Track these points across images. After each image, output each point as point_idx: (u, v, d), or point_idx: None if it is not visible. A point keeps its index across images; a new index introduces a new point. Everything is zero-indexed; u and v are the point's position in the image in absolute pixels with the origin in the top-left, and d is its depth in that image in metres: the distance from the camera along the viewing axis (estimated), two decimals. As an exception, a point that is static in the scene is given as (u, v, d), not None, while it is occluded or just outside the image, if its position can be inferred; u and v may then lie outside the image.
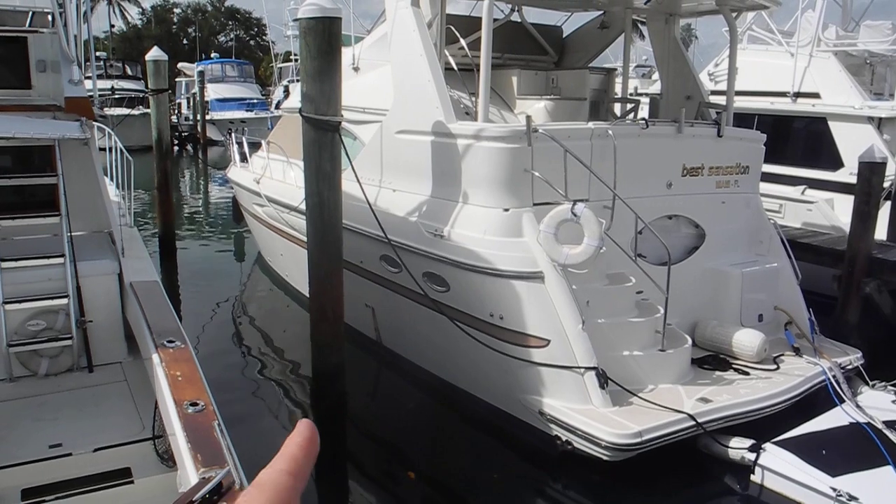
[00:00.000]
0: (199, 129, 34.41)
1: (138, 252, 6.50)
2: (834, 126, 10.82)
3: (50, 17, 6.25)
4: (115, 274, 5.80)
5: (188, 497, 2.92)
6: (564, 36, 10.10)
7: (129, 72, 37.96)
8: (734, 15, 8.61)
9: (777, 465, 5.45)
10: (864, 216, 8.21)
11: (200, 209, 20.56)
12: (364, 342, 8.26)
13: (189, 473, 3.24)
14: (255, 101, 37.53)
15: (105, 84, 29.31)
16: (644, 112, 9.44)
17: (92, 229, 6.41)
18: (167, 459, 4.32)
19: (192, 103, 37.06)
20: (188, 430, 3.54)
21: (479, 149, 6.55)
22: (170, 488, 3.78)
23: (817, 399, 6.44)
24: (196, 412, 3.70)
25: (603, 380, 5.79)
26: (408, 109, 7.40)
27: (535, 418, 6.03)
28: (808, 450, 5.52)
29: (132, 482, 4.27)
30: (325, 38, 5.85)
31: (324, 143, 6.04)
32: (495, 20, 6.68)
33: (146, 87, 17.18)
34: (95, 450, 4.47)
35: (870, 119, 10.52)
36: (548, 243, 6.04)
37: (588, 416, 5.65)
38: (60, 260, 5.43)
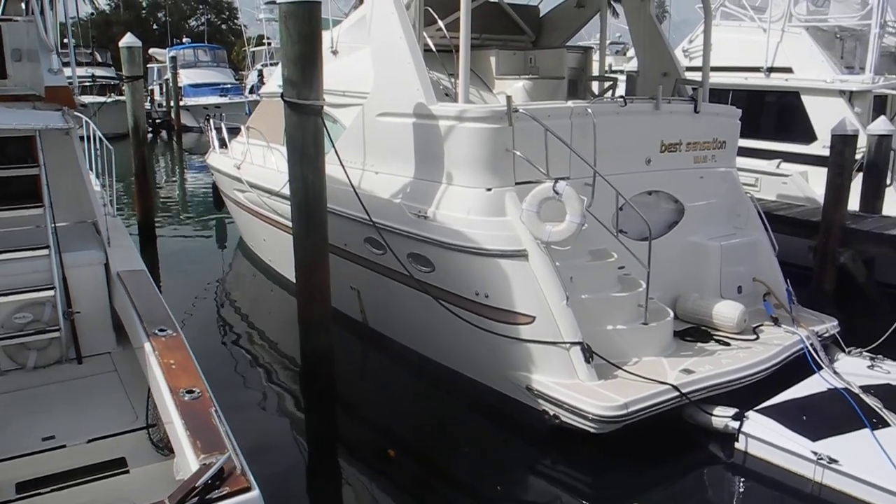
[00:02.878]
0: (172, 115, 34.00)
1: (123, 241, 6.46)
2: (807, 100, 10.97)
3: (23, 5, 6.16)
4: (102, 264, 5.77)
5: (190, 484, 2.95)
6: (541, 15, 10.11)
7: (98, 58, 37.38)
8: (708, -9, 8.67)
9: (760, 431, 5.60)
10: (837, 188, 8.38)
11: (178, 196, 20.38)
12: (350, 324, 8.30)
13: (189, 460, 3.25)
14: (230, 85, 37.16)
15: (83, 71, 28.84)
16: (621, 89, 9.50)
17: (75, 220, 6.36)
18: (162, 448, 4.33)
19: (164, 89, 36.61)
20: (186, 417, 3.55)
21: (460, 130, 6.58)
22: (166, 476, 3.79)
23: (796, 367, 6.59)
24: (192, 399, 3.71)
25: (588, 354, 5.90)
26: (388, 92, 7.40)
27: (523, 394, 6.13)
28: (790, 416, 5.68)
29: (128, 472, 4.28)
30: (306, 22, 5.83)
31: (307, 127, 6.04)
32: (472, 0, 6.68)
33: (117, 73, 16.93)
34: (89, 441, 4.47)
35: (841, 93, 10.69)
36: (531, 221, 6.11)
37: (575, 390, 5.75)
38: (45, 251, 5.39)
